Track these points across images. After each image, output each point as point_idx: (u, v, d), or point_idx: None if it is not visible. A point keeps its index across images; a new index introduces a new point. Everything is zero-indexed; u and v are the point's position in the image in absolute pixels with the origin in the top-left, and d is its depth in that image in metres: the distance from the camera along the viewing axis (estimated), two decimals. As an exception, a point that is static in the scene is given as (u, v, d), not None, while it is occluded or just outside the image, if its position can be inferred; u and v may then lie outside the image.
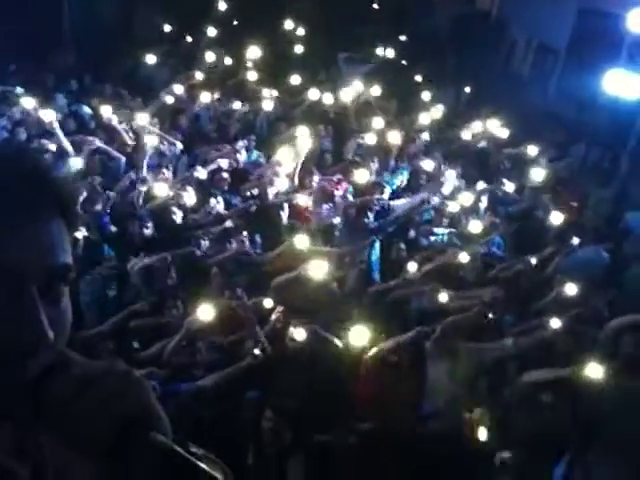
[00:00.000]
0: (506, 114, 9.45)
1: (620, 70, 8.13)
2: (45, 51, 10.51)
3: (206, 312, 4.42)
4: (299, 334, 4.52)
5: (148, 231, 5.82)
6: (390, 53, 10.96)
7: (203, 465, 0.77)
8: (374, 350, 4.45)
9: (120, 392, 0.76)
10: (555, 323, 4.53)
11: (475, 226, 6.34)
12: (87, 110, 8.43)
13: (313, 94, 8.82)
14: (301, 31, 11.40)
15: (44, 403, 0.75)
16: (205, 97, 8.47)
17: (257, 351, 4.44)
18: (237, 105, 8.76)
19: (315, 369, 4.45)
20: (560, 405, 3.77)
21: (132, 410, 0.76)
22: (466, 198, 6.88)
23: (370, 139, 7.96)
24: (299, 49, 11.10)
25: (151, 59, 9.89)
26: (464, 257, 5.66)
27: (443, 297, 5.01)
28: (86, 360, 0.81)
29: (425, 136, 8.55)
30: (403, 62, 11.71)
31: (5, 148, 0.93)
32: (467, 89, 10.53)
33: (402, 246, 6.31)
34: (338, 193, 7.13)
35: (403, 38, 12.64)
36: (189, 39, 11.36)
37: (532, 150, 8.25)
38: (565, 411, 3.61)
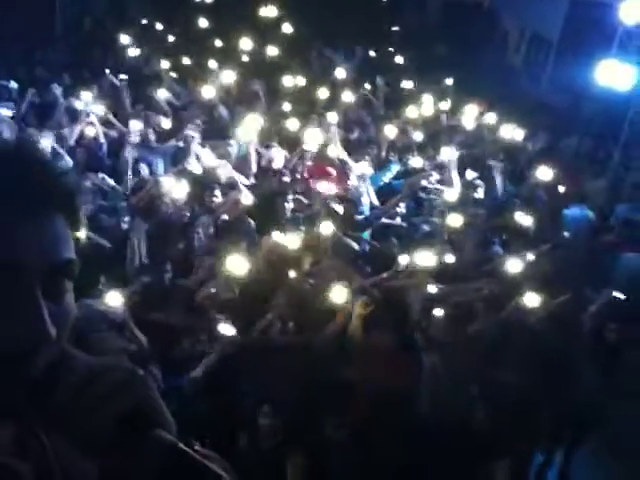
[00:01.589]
0: (499, 105, 9.45)
1: (612, 60, 8.12)
2: (37, 47, 10.50)
3: (114, 298, 4.53)
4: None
5: (125, 225, 5.81)
6: (380, 44, 10.92)
7: (211, 465, 0.76)
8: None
9: (123, 389, 0.76)
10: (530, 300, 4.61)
11: (455, 219, 6.12)
12: (79, 104, 8.38)
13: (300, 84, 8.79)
14: (288, 27, 11.33)
15: (47, 401, 0.74)
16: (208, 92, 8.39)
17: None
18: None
19: (309, 360, 4.45)
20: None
21: (135, 407, 0.76)
22: (451, 194, 6.80)
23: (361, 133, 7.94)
24: (287, 44, 11.05)
25: (125, 39, 10.00)
26: (450, 258, 5.61)
27: (432, 289, 5.02)
28: (89, 357, 0.80)
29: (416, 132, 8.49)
30: (394, 54, 11.65)
31: (5, 143, 0.91)
32: (457, 80, 10.46)
33: (393, 239, 6.29)
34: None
35: (395, 28, 12.60)
36: (159, 27, 11.42)
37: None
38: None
